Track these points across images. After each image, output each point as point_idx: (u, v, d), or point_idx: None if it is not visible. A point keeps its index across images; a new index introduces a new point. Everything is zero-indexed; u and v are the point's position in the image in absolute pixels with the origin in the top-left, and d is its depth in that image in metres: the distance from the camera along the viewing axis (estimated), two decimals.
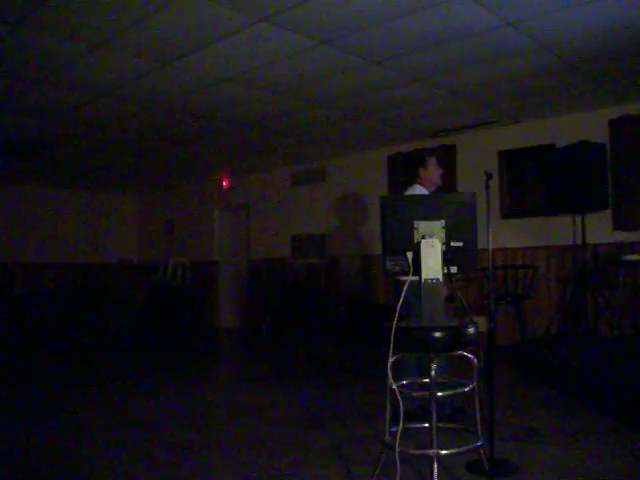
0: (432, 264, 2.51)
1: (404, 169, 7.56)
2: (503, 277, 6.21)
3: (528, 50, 4.49)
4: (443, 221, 2.57)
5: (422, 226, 2.57)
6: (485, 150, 6.91)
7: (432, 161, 4.17)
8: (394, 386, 2.52)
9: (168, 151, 7.92)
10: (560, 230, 6.30)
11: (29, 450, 3.49)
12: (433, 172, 4.13)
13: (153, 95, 5.49)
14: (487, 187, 3.07)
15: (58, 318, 9.60)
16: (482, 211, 2.80)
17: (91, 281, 10.66)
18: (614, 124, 5.98)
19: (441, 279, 2.52)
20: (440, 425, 2.80)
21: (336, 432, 3.68)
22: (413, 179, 4.17)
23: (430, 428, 2.56)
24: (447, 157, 7.19)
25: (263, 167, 9.24)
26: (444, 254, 2.54)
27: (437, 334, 2.46)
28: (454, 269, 2.61)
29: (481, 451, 2.75)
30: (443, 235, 2.56)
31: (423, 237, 2.53)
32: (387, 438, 2.62)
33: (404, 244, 2.58)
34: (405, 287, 2.58)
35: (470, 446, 2.68)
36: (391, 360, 2.50)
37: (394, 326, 2.45)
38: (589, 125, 6.10)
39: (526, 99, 5.79)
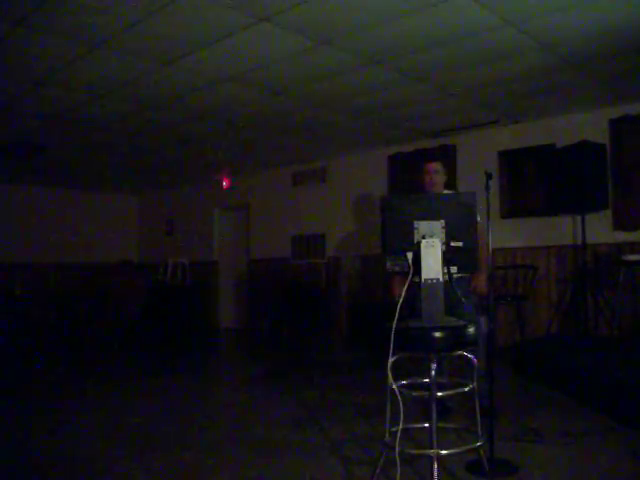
0: (432, 264, 2.51)
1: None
2: (503, 277, 6.22)
3: (528, 50, 4.49)
4: (443, 221, 2.57)
5: (422, 226, 2.57)
6: (485, 150, 6.91)
7: (425, 169, 4.05)
8: (394, 386, 2.52)
9: (168, 151, 7.92)
10: (560, 230, 6.30)
11: (28, 451, 3.49)
12: (425, 179, 4.03)
13: (153, 95, 5.49)
14: (487, 187, 3.07)
15: (58, 318, 9.59)
16: (482, 211, 2.80)
17: (91, 281, 10.65)
18: (614, 124, 5.98)
19: (441, 279, 2.52)
20: (440, 425, 2.80)
21: (336, 432, 3.69)
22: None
23: (430, 428, 2.56)
24: (447, 157, 7.19)
25: (263, 167, 9.24)
26: (444, 254, 2.54)
27: (437, 334, 2.46)
28: (454, 269, 2.61)
29: (481, 451, 2.75)
30: (443, 235, 2.56)
31: (423, 237, 2.53)
32: (387, 438, 2.62)
33: (404, 244, 2.58)
34: (405, 287, 2.57)
35: (470, 446, 2.68)
36: (391, 360, 2.50)
37: (394, 326, 2.45)
38: (589, 125, 6.10)
39: (526, 99, 5.79)
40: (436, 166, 4.05)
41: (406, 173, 7.55)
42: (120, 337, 9.07)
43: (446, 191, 4.10)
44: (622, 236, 5.88)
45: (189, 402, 4.73)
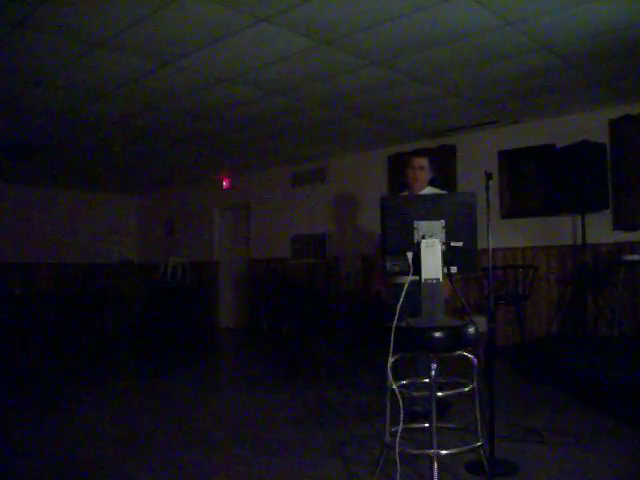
0: (432, 264, 2.51)
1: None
2: (503, 277, 6.22)
3: (528, 50, 4.49)
4: (443, 221, 2.57)
5: (422, 226, 2.57)
6: (485, 150, 6.91)
7: (410, 163, 3.99)
8: (394, 386, 2.52)
9: (168, 151, 7.92)
10: (560, 230, 6.30)
11: (27, 451, 3.49)
12: (409, 174, 3.99)
13: (153, 95, 5.49)
14: (487, 187, 3.07)
15: (58, 318, 9.59)
16: (482, 211, 2.80)
17: (91, 281, 10.65)
18: (614, 124, 5.98)
19: (441, 279, 2.52)
20: (440, 425, 2.80)
21: (336, 432, 3.68)
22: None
23: (430, 428, 2.56)
24: (447, 157, 7.20)
25: (263, 167, 9.24)
26: (444, 254, 2.54)
27: (437, 334, 2.46)
28: (454, 269, 2.61)
29: (481, 451, 2.75)
30: (443, 235, 2.56)
31: (423, 237, 2.53)
32: (387, 438, 2.62)
33: (404, 244, 2.58)
34: (405, 287, 2.57)
35: (470, 446, 2.68)
36: (391, 360, 2.50)
37: (394, 326, 2.45)
38: (589, 125, 6.10)
39: (526, 99, 5.79)
40: (421, 162, 3.96)
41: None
42: (120, 337, 9.07)
43: (429, 188, 4.00)
44: (622, 236, 5.88)
45: (189, 402, 4.73)
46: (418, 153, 4.35)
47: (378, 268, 4.31)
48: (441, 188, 4.08)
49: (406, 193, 4.05)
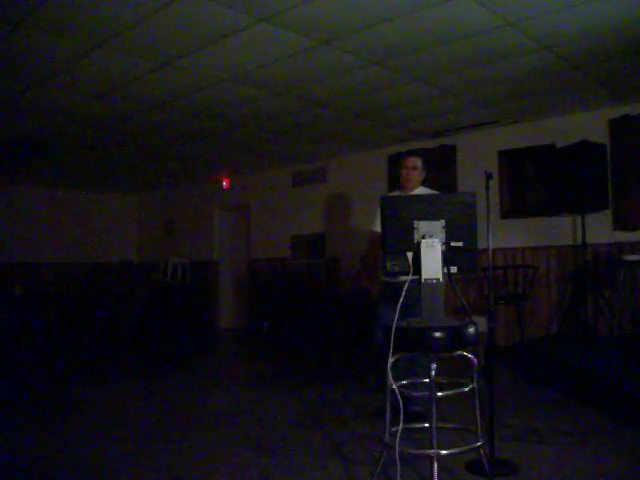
0: (432, 264, 2.51)
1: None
2: (503, 277, 6.22)
3: (528, 50, 4.49)
4: (443, 221, 2.57)
5: (422, 226, 2.57)
6: (485, 150, 6.91)
7: (403, 162, 4.06)
8: (394, 386, 2.52)
9: (168, 150, 7.91)
10: (560, 230, 6.30)
11: (27, 450, 3.49)
12: (402, 173, 4.04)
13: (153, 95, 5.49)
14: (487, 187, 3.07)
15: (58, 318, 9.60)
16: (482, 211, 2.80)
17: (91, 281, 10.66)
18: (614, 124, 5.98)
19: (441, 279, 2.52)
20: (440, 425, 2.80)
21: (336, 432, 3.68)
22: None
23: (430, 428, 2.56)
24: (447, 157, 7.19)
25: (263, 167, 9.24)
26: (444, 254, 2.54)
27: (437, 334, 2.46)
28: (454, 269, 2.61)
29: (481, 451, 2.75)
30: (443, 235, 2.56)
31: (423, 237, 2.54)
32: (387, 438, 2.62)
33: (404, 244, 2.58)
34: (405, 286, 2.57)
35: (470, 446, 2.68)
36: (391, 360, 2.50)
37: (394, 326, 2.45)
38: (589, 125, 6.10)
39: (526, 99, 5.79)
40: (415, 162, 4.02)
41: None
42: (120, 337, 9.07)
43: (422, 188, 4.03)
44: (622, 236, 5.88)
45: (189, 402, 4.73)
46: (412, 153, 4.37)
47: (369, 265, 4.32)
48: (434, 188, 4.11)
49: (397, 192, 4.09)
